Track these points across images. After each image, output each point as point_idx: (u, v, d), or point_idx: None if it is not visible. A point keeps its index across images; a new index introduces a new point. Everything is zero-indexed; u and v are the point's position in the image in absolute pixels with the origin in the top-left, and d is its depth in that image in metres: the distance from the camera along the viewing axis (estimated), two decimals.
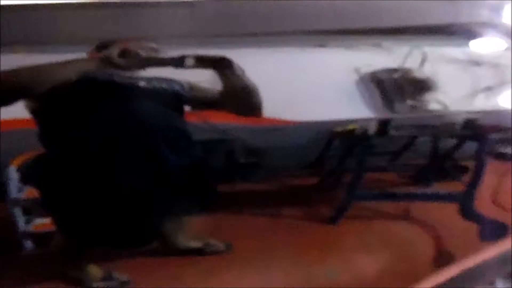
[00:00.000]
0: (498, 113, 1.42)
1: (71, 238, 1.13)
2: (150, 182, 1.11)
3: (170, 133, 1.11)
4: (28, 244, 1.10)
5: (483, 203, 1.37)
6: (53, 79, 1.03)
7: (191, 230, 1.18)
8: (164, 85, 1.10)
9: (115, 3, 1.12)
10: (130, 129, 1.08)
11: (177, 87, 1.10)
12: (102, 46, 1.06)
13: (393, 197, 1.32)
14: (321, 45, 1.25)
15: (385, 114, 1.28)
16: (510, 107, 1.41)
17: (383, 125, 1.26)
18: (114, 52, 1.05)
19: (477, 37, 1.38)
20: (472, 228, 1.37)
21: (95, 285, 1.13)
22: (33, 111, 1.04)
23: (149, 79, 1.09)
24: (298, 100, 1.19)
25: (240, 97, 1.12)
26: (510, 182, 1.41)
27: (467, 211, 1.35)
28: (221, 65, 1.09)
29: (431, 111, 1.34)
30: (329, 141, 1.24)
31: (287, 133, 1.20)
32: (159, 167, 1.11)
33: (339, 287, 1.24)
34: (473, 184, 1.35)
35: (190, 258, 1.18)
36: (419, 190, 1.34)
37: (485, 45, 1.40)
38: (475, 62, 1.38)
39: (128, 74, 1.08)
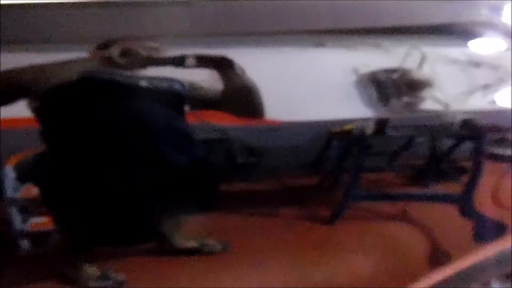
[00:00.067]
0: (496, 113, 1.41)
1: (71, 236, 1.13)
2: (150, 181, 1.10)
3: (171, 132, 1.12)
4: (25, 243, 1.10)
5: (482, 203, 1.37)
6: (55, 78, 1.03)
7: (188, 230, 1.18)
8: (165, 85, 1.09)
9: (114, 2, 1.11)
10: (131, 128, 1.09)
11: (178, 87, 1.10)
12: (103, 45, 1.06)
13: (391, 197, 1.32)
14: (320, 45, 1.24)
15: (383, 113, 1.28)
16: (508, 107, 1.41)
17: (381, 125, 1.26)
18: (115, 51, 1.05)
19: (477, 37, 1.38)
20: (469, 228, 1.38)
21: (91, 284, 1.13)
22: (35, 110, 1.04)
23: (150, 79, 1.09)
24: (297, 99, 1.19)
25: (241, 97, 1.12)
26: (509, 181, 1.41)
27: (466, 212, 1.35)
28: (222, 65, 1.09)
29: (429, 111, 1.34)
30: (328, 141, 1.24)
31: (286, 133, 1.20)
32: (160, 166, 1.11)
33: (336, 287, 1.24)
34: (471, 184, 1.35)
35: (186, 257, 1.17)
36: (417, 190, 1.34)
37: (484, 45, 1.40)
38: (474, 62, 1.38)
39: (129, 73, 1.08)
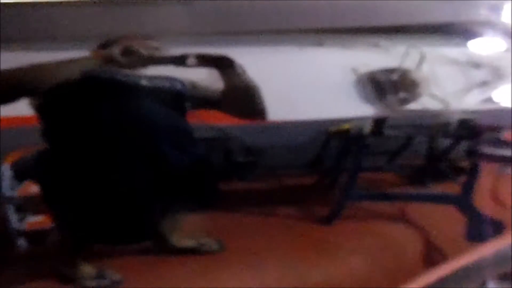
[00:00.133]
0: (495, 112, 1.41)
1: (70, 234, 1.13)
2: (151, 179, 1.11)
3: (172, 131, 1.12)
4: (21, 242, 1.10)
5: (481, 202, 1.37)
6: (57, 77, 1.04)
7: (185, 229, 1.18)
8: (166, 84, 1.10)
9: (115, 0, 1.11)
10: (132, 126, 1.09)
11: (179, 86, 1.10)
12: (105, 44, 1.07)
13: (389, 197, 1.31)
14: (319, 44, 1.24)
15: (382, 113, 1.28)
16: (507, 106, 1.41)
17: (378, 124, 1.25)
18: (116, 50, 1.06)
19: (476, 37, 1.38)
20: (467, 228, 1.38)
21: (88, 283, 1.13)
22: (37, 108, 1.05)
23: (151, 78, 1.09)
24: (296, 99, 1.18)
25: (242, 97, 1.13)
26: (507, 179, 1.41)
27: (465, 212, 1.35)
28: (223, 64, 1.10)
29: (427, 111, 1.33)
30: (326, 141, 1.23)
31: (285, 132, 1.20)
32: (160, 165, 1.11)
33: (333, 287, 1.24)
34: (469, 184, 1.35)
35: (183, 257, 1.17)
36: (415, 190, 1.33)
37: (484, 45, 1.39)
38: (474, 62, 1.37)
39: (130, 72, 1.08)
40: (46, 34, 1.07)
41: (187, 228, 1.18)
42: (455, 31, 1.34)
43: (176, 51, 1.08)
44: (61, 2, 1.08)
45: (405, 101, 1.31)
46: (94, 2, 1.10)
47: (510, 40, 1.39)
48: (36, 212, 1.11)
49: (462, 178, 1.37)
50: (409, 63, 1.28)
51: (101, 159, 1.08)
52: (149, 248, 1.16)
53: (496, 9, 1.39)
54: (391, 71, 1.28)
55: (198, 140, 1.14)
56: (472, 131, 1.35)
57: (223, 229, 1.19)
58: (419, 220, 1.32)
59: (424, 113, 1.33)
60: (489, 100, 1.41)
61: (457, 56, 1.34)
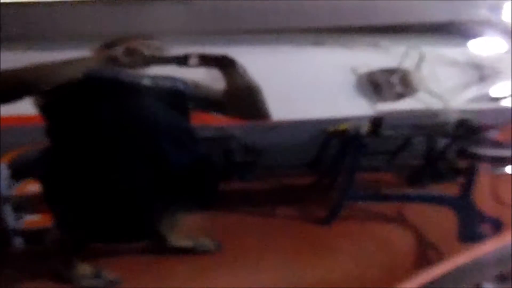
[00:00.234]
0: (493, 112, 1.41)
1: (71, 232, 1.14)
2: (152, 178, 1.11)
3: (173, 131, 1.13)
4: (18, 241, 1.10)
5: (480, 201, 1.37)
6: (60, 76, 1.05)
7: (182, 229, 1.18)
8: (168, 83, 1.10)
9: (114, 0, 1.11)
10: (134, 126, 1.10)
11: (181, 85, 1.11)
12: (108, 44, 1.07)
13: (387, 198, 1.31)
14: (318, 44, 1.24)
15: (380, 113, 1.27)
16: (506, 106, 1.40)
17: (376, 124, 1.25)
18: (119, 50, 1.07)
19: (476, 36, 1.37)
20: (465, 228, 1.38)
21: (84, 282, 1.13)
22: (40, 107, 1.05)
23: (153, 77, 1.10)
24: (295, 98, 1.18)
25: (243, 97, 1.13)
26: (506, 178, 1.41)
27: (462, 213, 1.35)
28: (224, 64, 1.10)
29: (425, 110, 1.33)
30: (326, 141, 1.23)
31: (284, 132, 1.19)
32: (162, 165, 1.12)
33: (330, 287, 1.24)
34: (468, 185, 1.35)
35: (180, 257, 1.18)
36: (414, 191, 1.33)
37: (484, 44, 1.39)
38: (473, 61, 1.37)
39: (132, 72, 1.09)
40: (45, 33, 1.07)
41: (185, 228, 1.18)
42: (455, 31, 1.33)
43: (175, 50, 1.08)
44: (61, 2, 1.09)
45: (403, 97, 1.31)
46: (94, 2, 1.10)
47: (510, 40, 1.38)
48: (33, 211, 1.11)
49: (461, 179, 1.36)
50: (409, 63, 1.27)
51: (103, 158, 1.09)
52: (146, 248, 1.16)
53: (496, 8, 1.38)
54: (390, 71, 1.27)
55: (200, 140, 1.15)
56: (470, 131, 1.34)
57: (221, 229, 1.19)
58: (417, 220, 1.32)
59: (422, 113, 1.32)
60: (489, 99, 1.41)
61: (457, 56, 1.33)
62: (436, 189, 1.35)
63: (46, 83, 1.05)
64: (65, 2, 1.08)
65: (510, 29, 1.38)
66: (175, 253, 1.18)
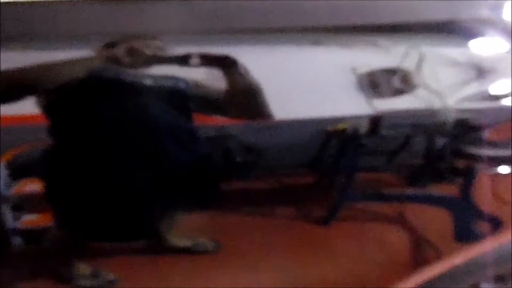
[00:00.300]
0: (493, 112, 1.40)
1: (71, 231, 1.14)
2: (153, 178, 1.12)
3: (175, 130, 1.13)
4: (17, 240, 1.10)
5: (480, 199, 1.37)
6: (63, 76, 1.06)
7: (180, 228, 1.18)
8: (170, 83, 1.11)
9: None
10: (136, 126, 1.10)
11: (183, 85, 1.11)
12: (110, 44, 1.08)
13: (386, 198, 1.31)
14: (318, 43, 1.23)
15: (379, 112, 1.27)
16: (506, 105, 1.40)
17: (375, 123, 1.25)
18: (121, 50, 1.07)
19: (476, 36, 1.36)
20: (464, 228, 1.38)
21: (82, 282, 1.13)
22: (43, 107, 1.06)
23: (155, 77, 1.10)
24: (295, 98, 1.18)
25: (245, 97, 1.13)
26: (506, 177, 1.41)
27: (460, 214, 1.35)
28: (226, 64, 1.10)
29: (424, 110, 1.32)
30: (326, 140, 1.23)
31: (284, 131, 1.19)
32: (163, 164, 1.12)
33: (329, 287, 1.24)
34: (466, 185, 1.35)
35: (178, 257, 1.18)
36: (413, 191, 1.33)
37: (484, 44, 1.38)
38: (474, 61, 1.36)
39: (134, 72, 1.09)
40: (45, 33, 1.08)
41: (183, 227, 1.18)
42: (455, 30, 1.33)
43: (174, 50, 1.09)
44: (61, 1, 1.09)
45: (402, 96, 1.31)
46: (94, 2, 1.10)
47: (511, 39, 1.37)
48: (31, 210, 1.11)
49: (460, 179, 1.36)
50: (409, 63, 1.27)
51: (105, 157, 1.10)
52: (144, 248, 1.16)
53: (497, 8, 1.37)
54: (390, 70, 1.27)
55: (202, 139, 1.15)
56: (469, 131, 1.34)
57: (219, 228, 1.19)
58: (416, 220, 1.32)
59: (422, 113, 1.32)
60: (488, 99, 1.40)
61: (457, 56, 1.33)
62: (435, 189, 1.35)
63: (48, 83, 1.05)
64: (65, 1, 1.09)
65: (510, 28, 1.38)
66: (173, 253, 1.18)
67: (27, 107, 1.05)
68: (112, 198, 1.11)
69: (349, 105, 1.25)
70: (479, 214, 1.38)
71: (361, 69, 1.24)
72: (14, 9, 1.04)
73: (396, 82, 1.27)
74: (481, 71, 1.36)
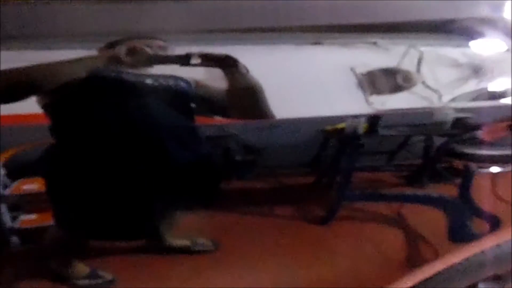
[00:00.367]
0: (492, 111, 1.40)
1: (71, 229, 1.14)
2: (154, 177, 1.11)
3: (176, 130, 1.13)
4: (15, 240, 1.10)
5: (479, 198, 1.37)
6: (64, 76, 1.05)
7: (179, 228, 1.18)
8: (171, 82, 1.11)
9: None
10: (137, 125, 1.10)
11: (184, 85, 1.11)
12: (111, 44, 1.08)
13: (384, 198, 1.31)
14: (317, 43, 1.23)
15: (378, 111, 1.27)
16: (506, 104, 1.40)
17: (373, 123, 1.25)
18: (122, 50, 1.07)
19: (476, 36, 1.36)
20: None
21: (81, 282, 1.13)
22: (44, 106, 1.06)
23: (156, 77, 1.10)
24: (294, 97, 1.18)
25: (246, 97, 1.13)
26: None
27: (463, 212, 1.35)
28: (227, 64, 1.10)
29: (424, 109, 1.32)
30: (325, 140, 1.23)
31: (283, 131, 1.19)
32: (164, 163, 1.12)
33: (327, 287, 1.24)
34: (465, 185, 1.35)
35: (176, 256, 1.18)
36: (412, 191, 1.33)
37: (484, 43, 1.38)
38: (474, 61, 1.36)
39: (135, 71, 1.09)
40: (45, 33, 1.07)
41: (182, 227, 1.18)
42: (455, 30, 1.33)
43: (175, 50, 1.08)
44: (60, 1, 1.08)
45: (401, 96, 1.31)
46: (94, 2, 1.09)
47: (511, 39, 1.37)
48: (29, 210, 1.11)
49: (458, 179, 1.36)
50: (408, 63, 1.27)
51: (106, 157, 1.10)
52: (142, 248, 1.16)
53: (497, 8, 1.37)
54: (390, 70, 1.27)
55: (203, 139, 1.15)
56: (468, 130, 1.34)
57: (218, 228, 1.19)
58: (414, 220, 1.32)
59: (420, 112, 1.32)
60: (488, 98, 1.40)
61: (457, 56, 1.33)
62: (433, 189, 1.35)
63: (49, 83, 1.05)
64: (65, 1, 1.08)
65: (511, 28, 1.38)
66: (172, 253, 1.18)
67: (27, 107, 1.04)
68: (113, 196, 1.12)
69: (349, 104, 1.24)
70: (477, 214, 1.38)
71: (361, 69, 1.23)
72: (14, 9, 1.04)
73: (395, 82, 1.27)
74: (481, 71, 1.36)
